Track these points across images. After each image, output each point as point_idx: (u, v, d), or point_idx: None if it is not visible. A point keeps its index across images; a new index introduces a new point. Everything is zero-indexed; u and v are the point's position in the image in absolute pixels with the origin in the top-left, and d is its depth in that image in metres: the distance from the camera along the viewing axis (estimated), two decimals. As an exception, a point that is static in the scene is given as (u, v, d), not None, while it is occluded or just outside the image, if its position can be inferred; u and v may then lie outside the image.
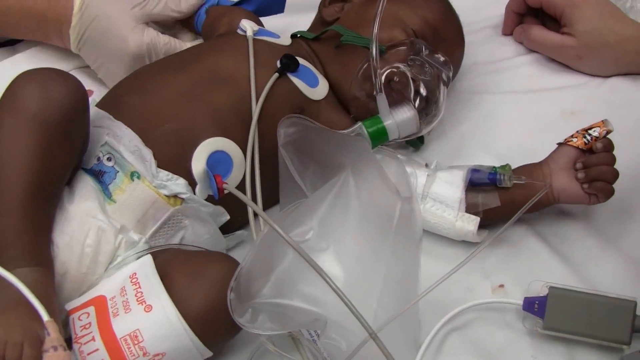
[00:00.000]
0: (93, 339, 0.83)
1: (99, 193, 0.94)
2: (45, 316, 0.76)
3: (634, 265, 1.01)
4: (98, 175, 0.95)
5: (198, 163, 0.97)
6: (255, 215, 0.98)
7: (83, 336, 0.83)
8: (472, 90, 1.28)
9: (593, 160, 1.01)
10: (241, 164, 1.00)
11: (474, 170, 1.05)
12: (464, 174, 1.04)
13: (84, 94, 0.91)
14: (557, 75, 1.29)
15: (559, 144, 1.04)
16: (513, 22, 1.37)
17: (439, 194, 1.04)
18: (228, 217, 1.01)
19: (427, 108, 1.11)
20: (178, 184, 0.96)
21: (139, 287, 0.87)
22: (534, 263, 1.02)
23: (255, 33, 1.14)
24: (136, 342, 0.82)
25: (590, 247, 1.04)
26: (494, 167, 1.04)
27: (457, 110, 1.23)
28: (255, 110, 1.02)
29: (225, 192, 0.94)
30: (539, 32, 1.31)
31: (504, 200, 1.02)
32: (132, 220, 0.95)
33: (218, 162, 0.99)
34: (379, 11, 1.04)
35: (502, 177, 1.02)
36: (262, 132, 1.02)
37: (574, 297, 0.92)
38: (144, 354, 0.82)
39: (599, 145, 1.01)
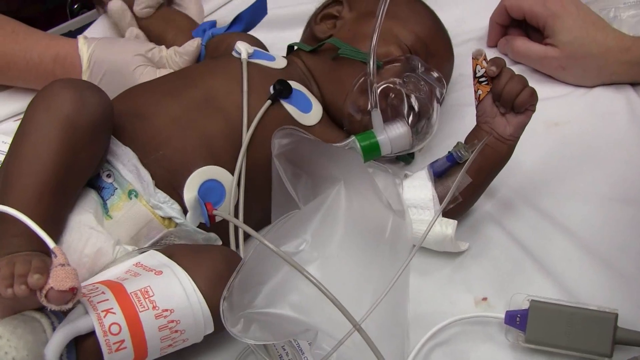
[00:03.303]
0: (103, 292, 0.83)
1: (98, 206, 0.96)
2: (50, 243, 0.80)
3: (615, 274, 1.02)
4: (98, 190, 0.97)
5: (190, 191, 0.99)
6: (247, 236, 1.00)
7: (92, 291, 0.84)
8: (457, 103, 1.29)
9: (497, 92, 1.03)
10: (233, 191, 1.01)
11: (432, 163, 1.07)
12: (426, 172, 1.06)
13: (112, 109, 0.96)
14: (541, 86, 1.26)
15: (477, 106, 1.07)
16: (497, 34, 1.38)
17: (411, 199, 1.05)
18: (220, 243, 1.02)
19: (420, 124, 1.13)
20: (173, 208, 0.97)
21: (146, 265, 0.89)
22: (516, 274, 1.03)
23: (251, 55, 1.14)
24: (146, 296, 0.84)
25: (571, 257, 1.05)
26: (448, 151, 1.06)
27: (444, 123, 1.24)
28: (245, 137, 1.03)
29: (217, 219, 0.96)
30: (522, 44, 1.32)
31: (472, 173, 1.02)
32: (126, 237, 0.96)
33: (210, 191, 1.00)
34: (378, 25, 1.05)
35: (459, 153, 1.04)
36: (254, 159, 1.03)
37: (555, 310, 0.94)
38: (154, 308, 0.83)
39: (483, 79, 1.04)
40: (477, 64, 1.04)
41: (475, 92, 1.06)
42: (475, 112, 1.08)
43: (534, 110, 1.04)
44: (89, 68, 1.19)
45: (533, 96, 1.03)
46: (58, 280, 0.76)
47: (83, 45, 1.21)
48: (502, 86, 1.02)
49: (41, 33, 1.27)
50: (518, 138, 1.06)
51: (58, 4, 1.55)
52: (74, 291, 0.78)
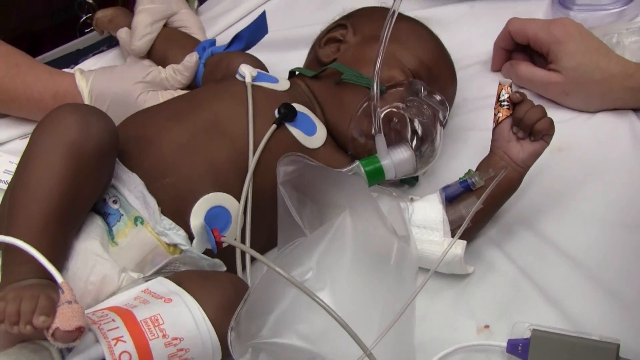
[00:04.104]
0: (113, 320, 0.84)
1: (104, 233, 0.96)
2: (59, 278, 0.81)
3: (618, 302, 1.03)
4: (104, 216, 0.98)
5: (196, 218, 0.99)
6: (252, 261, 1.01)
7: (102, 318, 0.84)
8: (462, 127, 1.30)
9: (518, 116, 1.08)
10: (240, 217, 1.02)
11: (444, 187, 1.09)
12: (438, 195, 1.08)
13: (117, 135, 0.96)
14: None
15: (493, 129, 1.11)
16: (501, 58, 1.38)
17: (422, 219, 1.06)
18: (225, 269, 1.02)
19: (423, 147, 1.13)
20: (179, 235, 0.98)
21: (155, 292, 0.90)
22: (518, 301, 1.04)
23: (255, 78, 1.15)
24: (156, 324, 0.84)
25: (574, 284, 1.05)
26: (460, 178, 1.09)
27: (448, 146, 1.25)
28: (252, 162, 1.04)
29: (224, 245, 0.97)
30: (526, 69, 1.33)
31: (485, 199, 1.02)
32: (131, 263, 0.97)
33: (216, 217, 1.01)
34: (381, 50, 1.05)
35: (474, 180, 1.07)
36: (260, 184, 1.04)
37: (556, 340, 0.94)
38: (164, 336, 0.84)
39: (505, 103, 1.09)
40: (502, 89, 1.09)
41: (495, 115, 1.10)
42: (490, 137, 1.11)
43: (548, 142, 1.09)
44: (91, 102, 1.21)
45: (551, 126, 1.08)
46: (64, 320, 0.77)
47: (81, 80, 1.23)
48: (524, 111, 1.07)
49: (42, 68, 1.29)
50: (529, 167, 1.09)
51: (66, 19, 1.56)
52: (80, 330, 0.78)
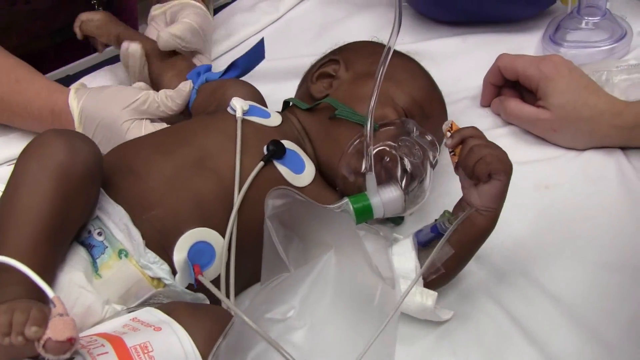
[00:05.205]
0: (102, 345, 0.83)
1: (88, 265, 0.96)
2: (50, 292, 0.81)
3: (602, 344, 1.02)
4: (88, 248, 0.98)
5: (179, 253, 0.99)
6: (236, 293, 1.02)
7: (91, 342, 0.84)
8: (449, 162, 1.29)
9: (460, 162, 1.03)
10: (224, 253, 1.02)
11: (417, 232, 1.07)
12: (411, 241, 1.06)
13: (102, 159, 0.97)
14: (533, 148, 1.31)
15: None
16: (491, 93, 1.39)
17: (396, 268, 1.04)
18: (208, 303, 1.02)
19: (412, 187, 1.13)
20: (162, 269, 0.98)
21: (144, 321, 0.89)
22: (501, 342, 1.03)
23: (246, 112, 1.14)
24: (145, 351, 0.84)
25: (557, 325, 1.05)
26: (435, 219, 1.05)
27: (435, 183, 1.24)
28: (237, 199, 1.04)
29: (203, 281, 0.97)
30: (515, 105, 1.33)
31: (454, 245, 1.01)
32: (115, 296, 0.97)
33: (200, 252, 1.01)
34: (376, 88, 1.04)
35: (443, 225, 1.03)
36: (245, 220, 1.04)
37: (538, 384, 0.94)
38: None
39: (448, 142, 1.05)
40: (445, 138, 1.06)
41: (453, 163, 1.07)
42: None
43: (500, 180, 1.00)
44: (81, 124, 1.21)
45: (492, 164, 0.99)
46: (56, 331, 0.77)
47: (73, 100, 1.23)
48: (462, 157, 1.02)
49: (42, 83, 1.28)
50: (495, 209, 1.02)
51: (67, 39, 1.57)
52: (71, 341, 0.78)
